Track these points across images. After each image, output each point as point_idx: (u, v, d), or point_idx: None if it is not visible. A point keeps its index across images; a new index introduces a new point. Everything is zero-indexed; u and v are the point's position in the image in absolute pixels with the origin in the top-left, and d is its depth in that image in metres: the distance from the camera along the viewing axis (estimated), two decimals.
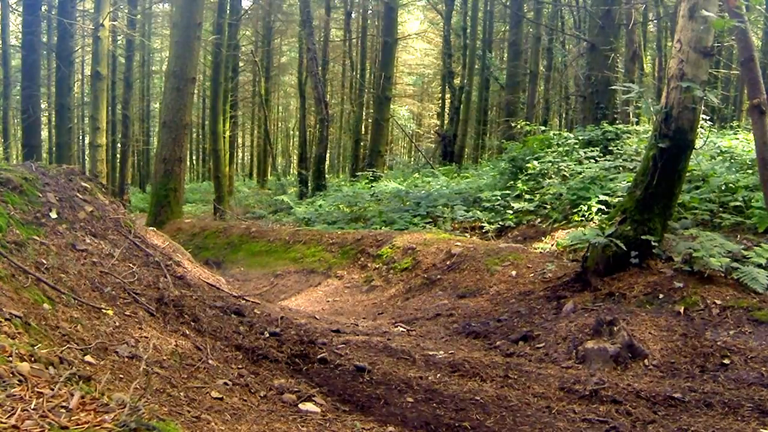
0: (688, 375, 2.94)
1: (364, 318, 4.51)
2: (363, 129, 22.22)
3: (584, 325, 3.43)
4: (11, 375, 1.27)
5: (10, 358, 1.34)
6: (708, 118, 7.24)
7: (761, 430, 1.89)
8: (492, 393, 2.64)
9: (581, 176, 6.95)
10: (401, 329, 4.04)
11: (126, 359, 1.88)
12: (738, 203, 4.97)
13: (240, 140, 32.34)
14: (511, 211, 7.29)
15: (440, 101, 25.24)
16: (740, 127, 10.06)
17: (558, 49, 18.34)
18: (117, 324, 2.14)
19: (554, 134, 8.87)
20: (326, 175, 15.54)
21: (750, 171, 5.68)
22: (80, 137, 23.90)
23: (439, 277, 5.30)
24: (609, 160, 7.18)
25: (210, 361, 2.18)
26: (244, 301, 3.34)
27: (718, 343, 3.10)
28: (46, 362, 1.45)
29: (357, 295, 5.72)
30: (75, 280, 2.26)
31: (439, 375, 2.87)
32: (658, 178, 3.87)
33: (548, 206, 7.00)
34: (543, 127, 11.13)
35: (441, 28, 22.09)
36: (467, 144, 20.22)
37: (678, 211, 4.61)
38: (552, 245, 5.94)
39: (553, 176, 7.49)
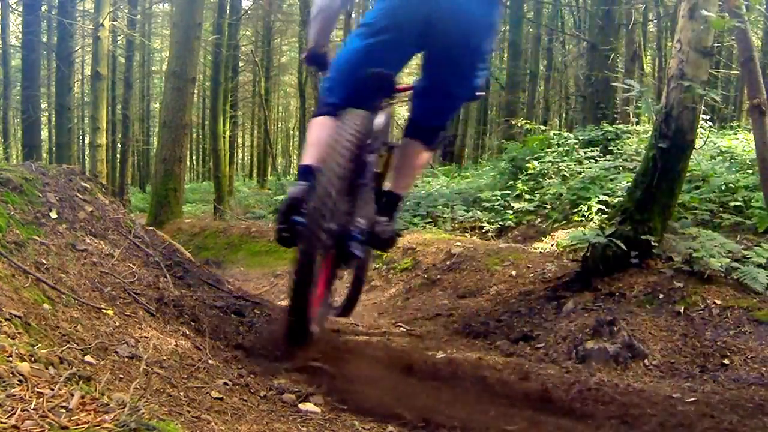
0: (688, 375, 2.94)
1: (363, 318, 4.51)
2: None
3: (584, 325, 3.43)
4: (11, 375, 1.27)
5: (10, 358, 1.34)
6: (708, 118, 7.24)
7: None
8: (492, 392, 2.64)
9: (581, 176, 6.95)
10: (401, 329, 4.04)
11: (126, 359, 1.88)
12: (738, 203, 4.97)
13: (240, 140, 32.33)
14: (511, 211, 7.29)
15: None
16: (740, 127, 10.07)
17: (558, 49, 18.34)
18: (117, 324, 2.14)
19: (554, 134, 8.88)
20: None
21: (750, 171, 5.68)
22: (80, 137, 23.90)
23: (439, 277, 5.30)
24: (609, 160, 7.18)
25: (210, 361, 2.18)
26: (244, 301, 3.33)
27: (718, 343, 3.10)
28: (46, 362, 1.45)
29: None
30: (75, 280, 2.26)
31: (439, 375, 2.87)
32: (658, 178, 3.87)
33: (548, 206, 7.00)
34: (543, 127, 11.14)
35: None
36: (467, 144, 20.21)
37: (678, 211, 4.60)
38: (552, 245, 5.94)
39: (553, 176, 7.49)
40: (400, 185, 2.53)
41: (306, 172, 2.18)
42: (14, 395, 1.20)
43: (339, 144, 2.04)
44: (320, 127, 2.25)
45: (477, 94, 2.38)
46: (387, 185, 2.60)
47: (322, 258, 2.25)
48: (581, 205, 6.33)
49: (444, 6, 2.12)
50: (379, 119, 2.40)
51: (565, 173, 7.38)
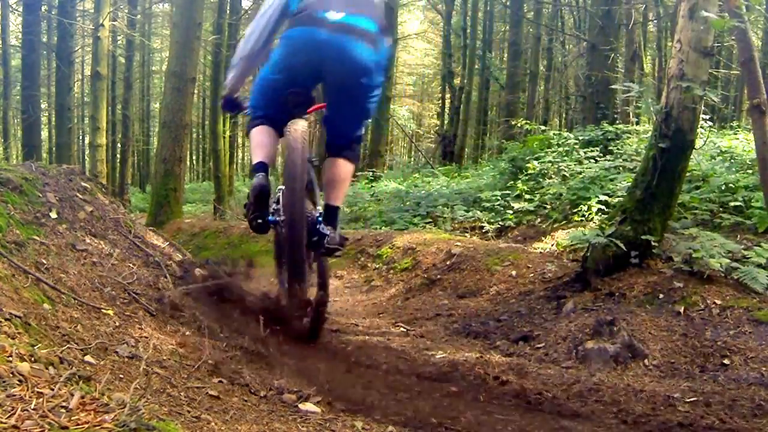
0: (688, 375, 2.94)
1: (364, 318, 4.51)
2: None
3: (584, 325, 3.43)
4: (11, 375, 1.27)
5: (10, 358, 1.34)
6: (708, 118, 7.23)
7: None
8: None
9: (581, 176, 6.95)
10: (401, 329, 4.04)
11: (126, 359, 1.89)
12: (738, 203, 4.97)
13: (240, 140, 32.29)
14: (511, 211, 7.29)
15: (440, 101, 25.23)
16: (740, 127, 10.06)
17: (558, 49, 18.34)
18: (117, 324, 2.14)
19: (554, 134, 8.87)
20: None
21: (750, 171, 5.68)
22: (80, 137, 23.88)
23: (439, 277, 5.30)
24: (609, 160, 7.18)
25: (210, 362, 2.18)
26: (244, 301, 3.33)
27: (718, 343, 3.09)
28: (46, 362, 1.45)
29: (357, 295, 5.72)
30: (75, 280, 2.26)
31: (439, 375, 2.87)
32: (658, 178, 3.87)
33: (548, 206, 7.00)
34: (543, 127, 11.14)
35: (441, 28, 22.09)
36: (467, 144, 20.21)
37: (678, 211, 4.61)
38: (552, 245, 5.95)
39: (553, 176, 7.49)
40: (333, 196, 2.84)
41: (260, 167, 2.68)
42: (14, 395, 1.20)
43: (297, 144, 2.50)
44: (261, 133, 2.79)
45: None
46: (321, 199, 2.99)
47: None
48: (581, 205, 6.33)
49: (331, 54, 2.56)
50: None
51: (565, 173, 7.37)
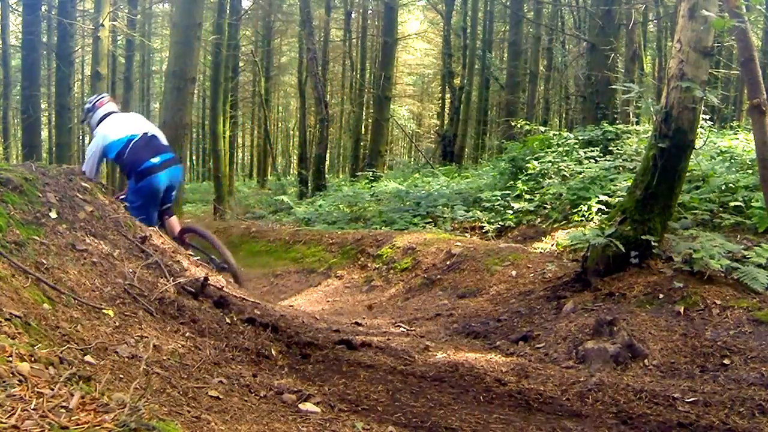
0: (688, 375, 2.94)
1: (364, 318, 4.51)
2: (363, 129, 22.22)
3: (584, 325, 3.43)
4: (11, 375, 1.27)
5: (10, 358, 1.34)
6: (708, 118, 7.24)
7: None
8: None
9: (581, 176, 6.95)
10: (401, 329, 4.04)
11: (126, 359, 1.88)
12: (738, 203, 4.97)
13: (240, 140, 32.32)
14: (511, 211, 7.29)
15: (440, 101, 25.23)
16: (740, 127, 10.06)
17: (558, 49, 18.33)
18: (117, 324, 2.14)
19: (554, 134, 8.87)
20: (326, 175, 15.54)
21: (750, 171, 5.68)
22: (80, 137, 23.87)
23: (439, 277, 5.30)
24: (609, 160, 7.18)
25: (210, 361, 2.18)
26: (243, 301, 3.33)
27: (718, 343, 3.09)
28: (46, 362, 1.45)
29: (357, 295, 5.72)
30: (75, 280, 2.26)
31: (439, 375, 2.87)
32: (658, 178, 3.87)
33: (548, 206, 7.01)
34: (543, 127, 11.13)
35: (441, 28, 22.09)
36: (467, 144, 20.22)
37: (678, 211, 4.61)
38: (552, 245, 5.95)
39: (553, 176, 7.49)
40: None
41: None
42: (14, 395, 1.20)
43: (212, 235, 4.90)
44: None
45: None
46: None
47: None
48: (581, 205, 6.33)
49: (167, 182, 4.45)
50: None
51: (565, 173, 7.38)
